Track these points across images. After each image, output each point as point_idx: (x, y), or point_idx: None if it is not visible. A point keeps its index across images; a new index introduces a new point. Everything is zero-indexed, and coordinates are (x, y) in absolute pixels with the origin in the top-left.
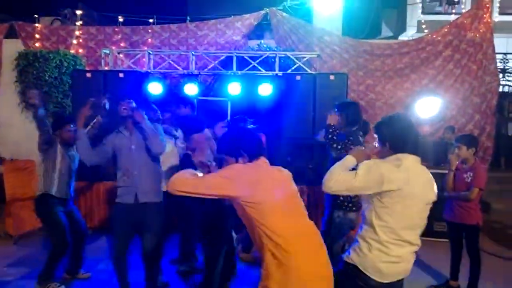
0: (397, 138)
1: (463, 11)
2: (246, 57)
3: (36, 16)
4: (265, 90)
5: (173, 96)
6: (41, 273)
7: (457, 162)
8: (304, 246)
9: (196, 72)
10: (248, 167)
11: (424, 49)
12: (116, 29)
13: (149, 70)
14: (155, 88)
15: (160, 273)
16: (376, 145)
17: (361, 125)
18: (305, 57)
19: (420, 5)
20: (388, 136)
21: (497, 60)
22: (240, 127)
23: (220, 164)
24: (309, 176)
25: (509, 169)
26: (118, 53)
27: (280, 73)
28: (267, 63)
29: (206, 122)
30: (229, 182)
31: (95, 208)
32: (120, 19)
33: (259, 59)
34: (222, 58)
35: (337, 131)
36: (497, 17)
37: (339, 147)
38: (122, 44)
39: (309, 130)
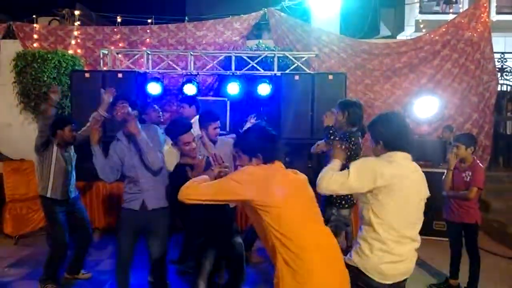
0: (390, 137)
1: (461, 10)
2: (245, 57)
3: (34, 16)
4: (264, 90)
5: (176, 95)
6: (42, 273)
7: (456, 162)
8: (319, 253)
9: (194, 72)
10: (261, 169)
11: (422, 49)
12: (114, 29)
13: (147, 70)
14: (154, 88)
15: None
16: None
17: (360, 127)
18: (303, 57)
19: (418, 4)
20: (382, 134)
21: (495, 59)
22: (262, 127)
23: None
24: (308, 176)
25: (508, 168)
26: (117, 53)
27: (278, 73)
28: (266, 63)
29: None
30: (242, 186)
31: (95, 208)
32: (119, 19)
33: (258, 59)
34: (220, 58)
35: (336, 131)
36: (494, 17)
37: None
38: (120, 44)
39: (307, 130)
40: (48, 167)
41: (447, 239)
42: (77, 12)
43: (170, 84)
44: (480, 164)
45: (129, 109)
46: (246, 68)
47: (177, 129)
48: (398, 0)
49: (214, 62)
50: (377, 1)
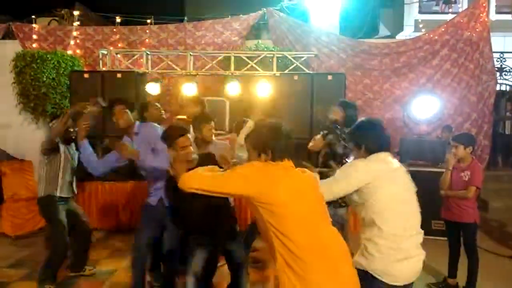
0: (372, 141)
1: (460, 10)
2: (244, 57)
3: (33, 16)
4: (263, 90)
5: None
6: (39, 273)
7: (454, 161)
8: (324, 255)
9: (194, 72)
10: (268, 165)
11: (422, 48)
12: (113, 30)
13: (147, 71)
14: (153, 89)
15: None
16: None
17: None
18: (302, 57)
19: (417, 4)
20: (363, 139)
21: (494, 59)
22: (276, 123)
23: None
24: None
25: (507, 168)
26: (116, 53)
27: (277, 73)
28: (265, 63)
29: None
30: (246, 181)
31: (93, 209)
32: (118, 19)
33: (257, 59)
34: (220, 58)
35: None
36: (493, 16)
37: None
38: (119, 45)
39: (306, 130)
40: (57, 165)
41: (445, 238)
42: (76, 13)
43: (169, 84)
44: (479, 164)
45: (129, 114)
46: (245, 68)
47: (174, 133)
48: (397, 0)
49: (214, 62)
50: (376, 1)
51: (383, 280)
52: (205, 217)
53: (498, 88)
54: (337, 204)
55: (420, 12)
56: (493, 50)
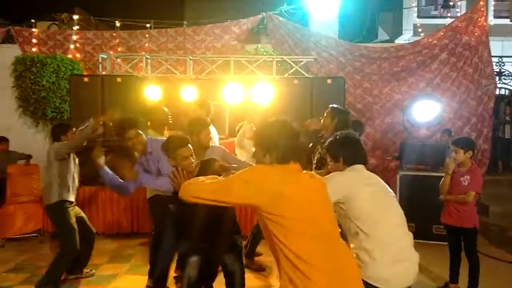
0: (349, 153)
1: (459, 14)
2: (243, 61)
3: (33, 21)
4: (263, 94)
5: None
6: (44, 277)
7: (454, 166)
8: (330, 273)
9: (193, 76)
10: (273, 169)
11: (421, 53)
12: (113, 34)
13: (146, 75)
14: (153, 93)
15: None
16: None
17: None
18: (302, 61)
19: (416, 9)
20: (341, 153)
21: (493, 63)
22: (287, 122)
23: None
24: None
25: (507, 172)
26: (116, 57)
27: (277, 77)
28: (264, 67)
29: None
30: (248, 188)
31: (93, 213)
32: (117, 23)
33: (257, 63)
34: (219, 62)
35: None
36: (492, 21)
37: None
38: (119, 49)
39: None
40: (68, 170)
41: (446, 243)
42: (76, 17)
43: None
44: (478, 169)
45: (143, 135)
46: (245, 72)
47: (174, 144)
48: (396, 5)
49: (213, 66)
50: (375, 5)
51: (378, 286)
52: (206, 225)
53: (497, 92)
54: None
55: (419, 16)
56: (492, 54)
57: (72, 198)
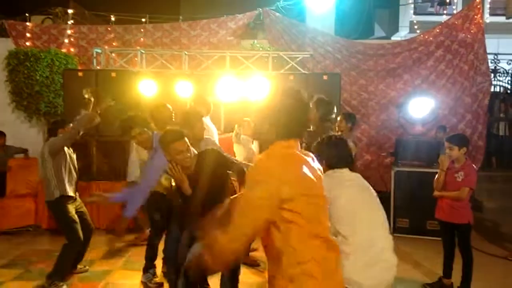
0: (331, 157)
1: (455, 12)
2: (239, 57)
3: (27, 14)
4: (258, 89)
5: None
6: (53, 270)
7: (448, 162)
8: (328, 272)
9: (188, 71)
10: (277, 165)
11: (417, 49)
12: (108, 28)
13: (141, 70)
14: (147, 88)
15: None
16: None
17: (332, 122)
18: (298, 57)
19: (412, 5)
20: (323, 156)
21: (488, 61)
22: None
23: None
24: None
25: (501, 168)
26: (110, 52)
27: (273, 73)
28: (260, 63)
29: None
30: (261, 204)
31: (88, 209)
32: (112, 18)
33: (253, 59)
34: (215, 57)
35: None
36: (488, 18)
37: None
38: (114, 43)
39: None
40: (63, 166)
41: (440, 238)
42: (70, 11)
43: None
44: (473, 165)
45: (148, 132)
46: (240, 68)
47: (168, 138)
48: (393, 1)
49: (209, 62)
50: (371, 2)
51: None
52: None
53: (492, 89)
54: None
55: (415, 13)
56: (487, 51)
57: (70, 192)
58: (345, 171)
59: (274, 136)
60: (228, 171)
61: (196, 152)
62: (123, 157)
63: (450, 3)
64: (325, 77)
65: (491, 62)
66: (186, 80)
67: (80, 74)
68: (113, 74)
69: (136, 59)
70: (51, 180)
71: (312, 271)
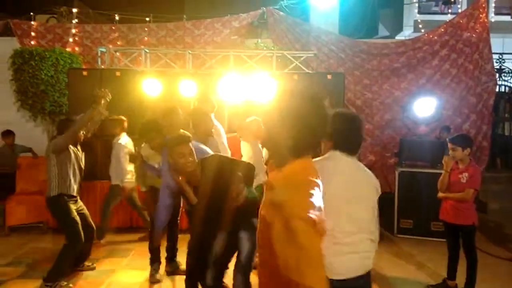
0: (343, 138)
1: (459, 11)
2: (243, 56)
3: (32, 14)
4: (263, 87)
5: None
6: (51, 271)
7: (452, 163)
8: None
9: (192, 70)
10: (310, 175)
11: (421, 49)
12: (112, 27)
13: (145, 69)
14: (151, 87)
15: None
16: None
17: None
18: (302, 56)
19: (417, 4)
20: (335, 134)
21: (494, 60)
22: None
23: None
24: None
25: (505, 169)
26: (115, 51)
27: (277, 72)
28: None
29: None
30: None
31: (91, 208)
32: (117, 17)
33: (256, 58)
34: (219, 57)
35: None
36: (493, 17)
37: None
38: (118, 43)
39: None
40: (67, 165)
41: (444, 239)
42: (75, 10)
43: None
44: (477, 166)
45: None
46: (244, 67)
47: (171, 141)
48: (397, 1)
49: (213, 61)
50: (375, 1)
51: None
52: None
53: (497, 89)
54: None
55: (420, 12)
56: (492, 51)
57: (73, 192)
58: (341, 160)
59: (288, 150)
60: (235, 174)
61: (204, 147)
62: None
63: (455, 2)
64: (329, 77)
65: (496, 62)
66: (190, 79)
67: (84, 73)
68: (118, 73)
69: (140, 58)
70: (53, 178)
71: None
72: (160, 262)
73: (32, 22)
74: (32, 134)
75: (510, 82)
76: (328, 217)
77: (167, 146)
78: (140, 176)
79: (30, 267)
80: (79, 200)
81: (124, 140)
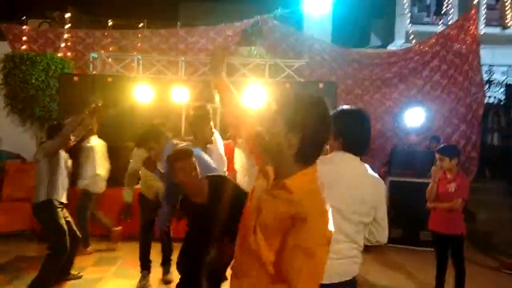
0: (354, 137)
1: (450, 22)
2: (236, 64)
3: (23, 18)
4: (255, 97)
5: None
6: (35, 281)
7: (440, 174)
8: None
9: (185, 78)
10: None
11: (412, 59)
12: (105, 33)
13: (138, 75)
14: (143, 93)
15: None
16: None
17: None
18: (294, 65)
19: (409, 15)
20: (344, 132)
21: (483, 72)
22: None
23: None
24: None
25: (494, 179)
26: (107, 57)
27: (269, 80)
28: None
29: None
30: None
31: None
32: (110, 23)
33: (249, 66)
34: None
35: None
36: (483, 29)
37: None
38: (111, 48)
39: None
40: (57, 171)
41: (433, 249)
42: (67, 15)
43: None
44: (464, 176)
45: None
46: (237, 75)
47: (172, 157)
48: (389, 11)
49: (206, 68)
50: (368, 11)
51: None
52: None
53: (486, 100)
54: None
55: (411, 23)
56: (482, 62)
57: (62, 198)
58: (342, 163)
59: (292, 158)
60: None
61: (206, 157)
62: (123, 162)
63: (446, 13)
64: (321, 85)
65: (485, 73)
66: (183, 86)
67: (76, 78)
68: (110, 79)
69: (132, 64)
70: (42, 182)
71: None
72: (149, 271)
73: (24, 27)
74: (20, 139)
75: (499, 94)
76: None
77: (168, 160)
78: (134, 178)
79: (14, 276)
80: (64, 209)
81: (95, 142)
